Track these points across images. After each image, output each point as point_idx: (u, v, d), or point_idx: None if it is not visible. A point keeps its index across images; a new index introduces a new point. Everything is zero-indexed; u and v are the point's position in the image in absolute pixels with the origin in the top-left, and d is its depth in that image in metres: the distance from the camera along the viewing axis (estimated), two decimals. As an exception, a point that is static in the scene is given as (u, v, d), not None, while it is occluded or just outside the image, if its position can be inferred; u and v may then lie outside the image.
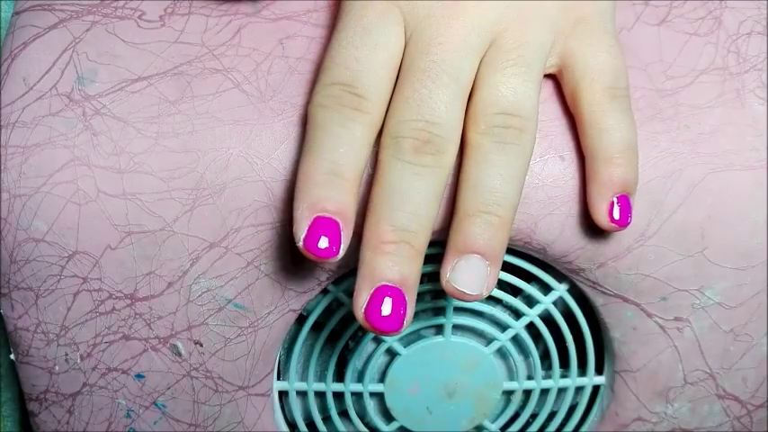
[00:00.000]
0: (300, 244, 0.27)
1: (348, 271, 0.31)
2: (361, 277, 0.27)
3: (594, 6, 0.30)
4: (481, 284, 0.28)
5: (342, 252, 0.27)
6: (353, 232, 0.27)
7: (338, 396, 0.35)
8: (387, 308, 0.26)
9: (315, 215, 0.26)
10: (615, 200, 0.29)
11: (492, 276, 0.28)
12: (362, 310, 0.27)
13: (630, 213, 0.30)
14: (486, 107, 0.28)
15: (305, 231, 0.26)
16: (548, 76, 0.31)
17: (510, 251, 0.32)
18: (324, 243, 0.26)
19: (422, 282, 0.31)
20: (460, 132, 0.28)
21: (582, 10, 0.30)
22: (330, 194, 0.27)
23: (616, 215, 0.29)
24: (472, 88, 0.29)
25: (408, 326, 0.27)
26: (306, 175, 0.27)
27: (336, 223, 0.27)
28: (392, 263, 0.27)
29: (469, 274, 0.27)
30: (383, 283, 0.27)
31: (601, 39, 0.30)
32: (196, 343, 0.32)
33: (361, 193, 0.29)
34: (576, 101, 0.30)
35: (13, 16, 0.32)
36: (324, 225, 0.26)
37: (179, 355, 0.32)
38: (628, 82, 0.30)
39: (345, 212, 0.27)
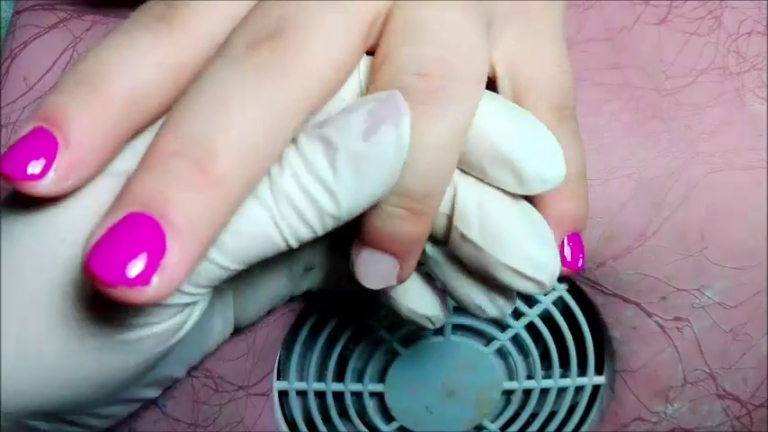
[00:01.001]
0: None
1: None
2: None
3: (541, 4, 0.25)
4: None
5: (55, 178, 0.18)
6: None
7: (338, 396, 0.35)
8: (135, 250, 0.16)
9: (33, 126, 0.18)
10: (566, 239, 0.24)
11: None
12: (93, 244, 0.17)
13: (583, 255, 0.24)
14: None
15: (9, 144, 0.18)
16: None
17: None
18: (31, 160, 0.17)
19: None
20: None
21: (526, 5, 0.25)
22: (61, 101, 0.18)
23: (567, 256, 0.24)
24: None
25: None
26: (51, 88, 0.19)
27: (54, 141, 0.18)
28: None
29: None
30: None
31: (550, 48, 0.25)
32: (196, 342, 0.32)
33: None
34: None
35: (13, 16, 0.32)
36: (36, 138, 0.18)
37: (179, 354, 0.32)
38: (575, 100, 0.25)
39: (75, 131, 0.18)
